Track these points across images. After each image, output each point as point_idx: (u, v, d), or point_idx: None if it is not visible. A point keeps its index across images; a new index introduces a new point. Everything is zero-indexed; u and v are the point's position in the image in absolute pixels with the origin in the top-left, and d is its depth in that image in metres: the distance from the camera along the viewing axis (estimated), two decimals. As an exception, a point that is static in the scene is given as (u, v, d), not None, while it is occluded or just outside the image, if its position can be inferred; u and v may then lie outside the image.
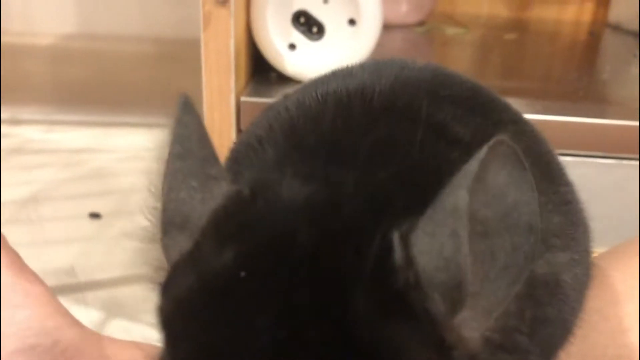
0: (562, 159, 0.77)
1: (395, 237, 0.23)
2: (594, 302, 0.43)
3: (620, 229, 0.62)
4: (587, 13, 1.30)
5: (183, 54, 1.78)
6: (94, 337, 0.49)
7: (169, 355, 0.25)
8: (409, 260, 0.22)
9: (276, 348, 0.22)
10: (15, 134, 1.70)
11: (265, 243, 0.24)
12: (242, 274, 0.23)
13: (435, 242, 0.22)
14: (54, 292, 0.51)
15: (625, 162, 0.77)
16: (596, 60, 1.14)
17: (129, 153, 1.66)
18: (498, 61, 1.09)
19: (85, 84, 1.81)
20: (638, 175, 0.75)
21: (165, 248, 0.27)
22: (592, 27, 1.27)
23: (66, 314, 0.50)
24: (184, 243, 0.25)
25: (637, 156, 0.76)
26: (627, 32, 1.19)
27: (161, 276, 0.27)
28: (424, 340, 0.22)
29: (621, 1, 1.23)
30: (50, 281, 0.48)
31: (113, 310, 1.00)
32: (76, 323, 0.50)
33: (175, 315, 0.25)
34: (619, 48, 1.18)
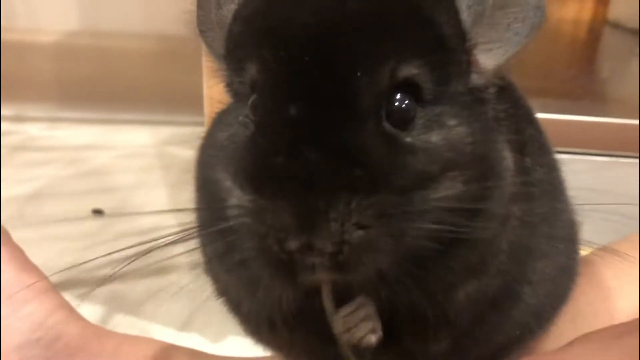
0: (560, 156, 0.78)
1: None
2: (586, 297, 0.44)
3: (617, 227, 0.63)
4: (587, 11, 1.30)
5: (185, 51, 1.78)
6: (97, 332, 0.51)
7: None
8: None
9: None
10: (18, 131, 1.71)
11: None
12: None
13: None
14: (58, 287, 0.52)
15: (623, 160, 0.77)
16: (596, 58, 1.14)
17: (132, 150, 1.66)
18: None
19: (88, 81, 1.82)
20: (638, 173, 0.76)
21: (222, 18, 0.32)
22: (592, 25, 1.28)
23: (69, 308, 0.51)
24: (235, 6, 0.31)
25: (637, 154, 0.76)
26: (627, 30, 1.20)
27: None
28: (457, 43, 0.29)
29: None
30: (54, 277, 0.49)
31: (115, 305, 1.01)
32: (79, 317, 0.51)
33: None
34: (618, 46, 1.19)
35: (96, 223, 1.32)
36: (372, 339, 0.30)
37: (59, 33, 1.81)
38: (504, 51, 0.30)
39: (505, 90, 0.33)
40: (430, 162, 0.27)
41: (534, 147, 0.35)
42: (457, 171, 0.27)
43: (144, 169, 1.57)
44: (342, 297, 0.30)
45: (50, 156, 1.61)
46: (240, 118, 0.30)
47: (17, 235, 0.50)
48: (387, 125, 0.27)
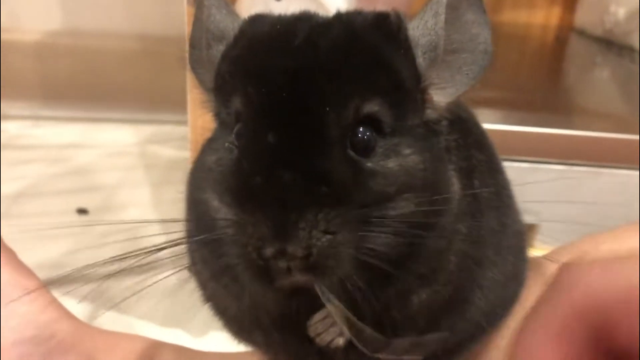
0: (520, 165, 0.82)
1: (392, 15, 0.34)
2: (533, 296, 0.48)
3: (576, 231, 0.67)
4: (554, 17, 1.35)
5: (168, 51, 1.79)
6: (87, 329, 0.54)
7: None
8: (402, 26, 0.34)
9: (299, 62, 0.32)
10: (2, 130, 1.70)
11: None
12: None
13: (422, 19, 0.34)
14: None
15: (576, 168, 0.82)
16: (561, 66, 1.19)
17: (115, 149, 1.68)
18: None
19: (71, 80, 1.82)
20: (591, 181, 0.81)
21: (211, 57, 0.37)
22: (559, 32, 1.32)
23: (61, 307, 0.53)
24: (224, 47, 0.36)
25: (591, 163, 0.81)
26: (591, 38, 1.24)
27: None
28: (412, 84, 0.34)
29: (586, 7, 1.28)
30: (41, 275, 0.52)
31: (100, 302, 1.03)
32: (70, 316, 0.54)
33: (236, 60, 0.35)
34: (582, 54, 1.23)
35: (81, 222, 1.34)
36: (340, 341, 0.35)
37: (42, 32, 1.81)
38: (455, 90, 0.35)
39: (456, 122, 0.37)
40: (387, 184, 0.32)
41: (482, 171, 0.39)
42: (411, 193, 0.32)
43: (127, 167, 1.59)
44: (315, 306, 0.34)
45: (33, 155, 1.61)
46: (227, 144, 0.34)
47: (3, 234, 0.52)
48: (351, 153, 0.32)
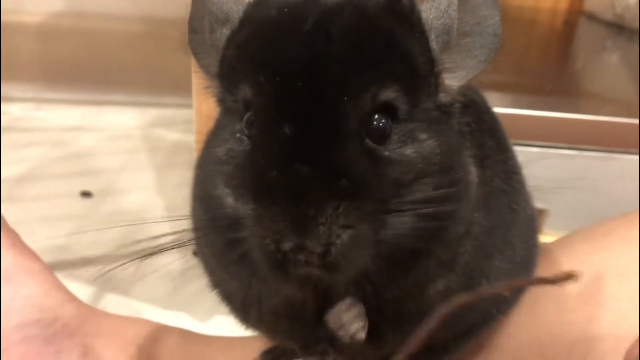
0: (529, 150, 0.82)
1: None
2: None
3: (585, 216, 0.66)
4: (563, 1, 1.33)
5: (171, 33, 1.78)
6: (91, 312, 0.53)
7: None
8: (415, 9, 0.33)
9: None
10: (4, 112, 1.70)
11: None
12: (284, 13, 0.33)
13: (434, 1, 0.34)
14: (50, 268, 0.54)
15: (585, 153, 0.81)
16: (570, 50, 1.17)
17: (118, 132, 1.67)
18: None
19: (74, 62, 1.81)
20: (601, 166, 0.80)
21: (215, 41, 0.36)
22: (568, 16, 1.30)
23: (64, 290, 0.53)
24: (229, 30, 0.35)
25: (601, 148, 0.80)
26: (601, 22, 1.22)
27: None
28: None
29: (596, -9, 1.26)
30: (44, 258, 0.52)
31: (105, 285, 1.03)
32: (74, 299, 0.54)
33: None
34: (592, 38, 1.22)
35: (85, 204, 1.34)
36: (362, 335, 0.35)
37: (45, 14, 1.80)
38: (467, 73, 0.35)
39: (468, 105, 0.37)
40: (406, 171, 0.32)
41: (493, 159, 0.39)
42: (428, 178, 0.32)
43: (130, 150, 1.58)
44: (331, 298, 0.34)
45: (36, 138, 1.61)
46: (237, 135, 0.34)
47: (7, 217, 0.52)
48: (368, 142, 0.31)
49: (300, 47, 0.31)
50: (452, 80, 0.35)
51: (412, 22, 0.34)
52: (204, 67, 0.37)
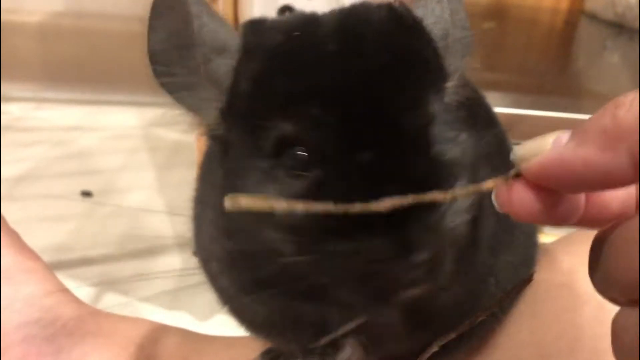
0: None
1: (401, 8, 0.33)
2: (545, 283, 0.47)
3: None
4: (564, 1, 1.33)
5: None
6: (92, 312, 0.53)
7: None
8: (416, 18, 0.34)
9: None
10: (4, 112, 1.70)
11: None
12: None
13: (426, 7, 0.35)
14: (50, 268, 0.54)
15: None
16: (571, 50, 1.17)
17: (118, 131, 1.67)
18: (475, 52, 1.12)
19: (74, 61, 1.81)
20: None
21: (211, 72, 0.33)
22: (569, 16, 1.30)
23: (65, 290, 0.53)
24: (230, 60, 0.33)
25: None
26: (602, 22, 1.22)
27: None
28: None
29: (597, -10, 1.26)
30: (44, 258, 0.52)
31: (105, 285, 1.03)
32: (74, 299, 0.54)
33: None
34: (592, 38, 1.22)
35: (85, 204, 1.34)
36: None
37: (45, 13, 1.80)
38: (454, 71, 0.35)
39: (463, 102, 0.37)
40: (456, 170, 0.31)
41: (491, 153, 0.39)
42: (465, 172, 0.32)
43: (130, 150, 1.58)
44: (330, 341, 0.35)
45: (36, 137, 1.61)
46: (286, 178, 0.31)
47: (7, 217, 0.52)
48: (432, 151, 0.31)
49: (345, 73, 0.30)
50: (450, 80, 0.35)
51: (421, 31, 0.33)
52: (180, 101, 0.35)
